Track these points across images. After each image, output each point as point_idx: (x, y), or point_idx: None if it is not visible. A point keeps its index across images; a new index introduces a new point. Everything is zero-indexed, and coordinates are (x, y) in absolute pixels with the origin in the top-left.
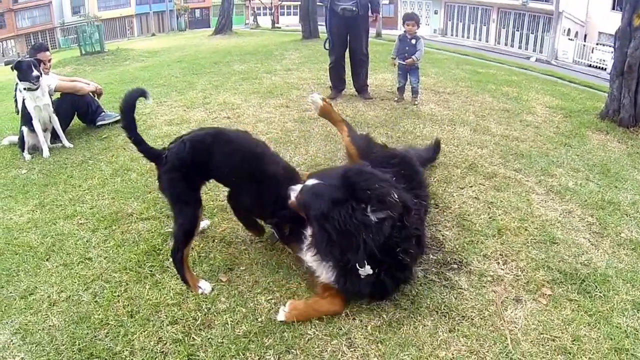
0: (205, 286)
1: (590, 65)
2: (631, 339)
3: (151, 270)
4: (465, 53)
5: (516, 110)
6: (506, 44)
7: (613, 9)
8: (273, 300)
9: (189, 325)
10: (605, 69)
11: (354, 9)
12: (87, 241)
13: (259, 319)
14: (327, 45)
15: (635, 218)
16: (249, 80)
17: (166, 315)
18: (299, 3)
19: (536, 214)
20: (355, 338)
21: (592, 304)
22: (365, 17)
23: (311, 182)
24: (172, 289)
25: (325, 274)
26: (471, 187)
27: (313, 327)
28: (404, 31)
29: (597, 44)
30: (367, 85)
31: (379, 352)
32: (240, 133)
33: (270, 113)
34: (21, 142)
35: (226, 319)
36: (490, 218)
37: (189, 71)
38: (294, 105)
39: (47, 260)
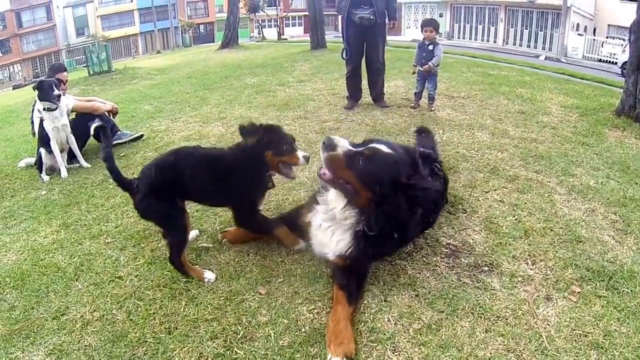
0: (210, 276)
1: (600, 60)
2: None
3: (186, 286)
4: (474, 55)
5: (532, 111)
6: (514, 44)
7: None
8: (315, 310)
9: (230, 339)
10: (617, 63)
11: (371, 17)
12: (115, 260)
13: (302, 330)
14: (344, 55)
15: None
16: (262, 93)
17: (205, 331)
18: (304, 14)
19: (560, 214)
20: (399, 342)
21: (620, 300)
22: (382, 25)
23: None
24: (210, 304)
25: (341, 242)
26: (495, 190)
27: (358, 334)
28: (423, 38)
29: (607, 37)
30: (384, 94)
31: (422, 355)
32: (196, 146)
33: (290, 125)
34: (39, 164)
35: (268, 331)
36: (516, 220)
37: (200, 87)
38: (312, 116)
39: (76, 280)
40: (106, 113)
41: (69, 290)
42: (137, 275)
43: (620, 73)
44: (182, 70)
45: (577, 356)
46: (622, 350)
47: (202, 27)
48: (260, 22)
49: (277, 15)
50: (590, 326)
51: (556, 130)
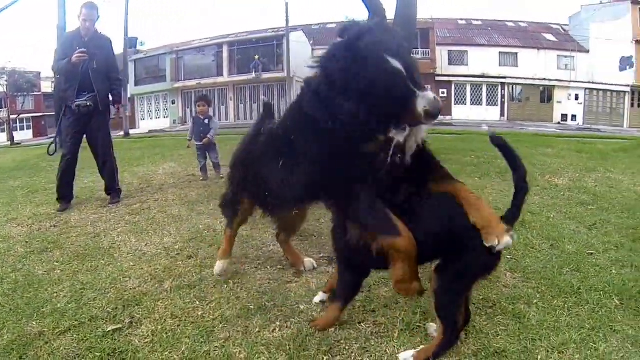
0: None
1: None
2: None
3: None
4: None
5: None
6: (245, 118)
7: None
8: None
9: None
10: None
11: (88, 104)
12: None
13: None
14: (50, 150)
15: None
16: (39, 192)
17: None
18: (33, 115)
19: None
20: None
21: None
22: (105, 112)
23: None
24: None
25: None
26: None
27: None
28: (196, 112)
29: None
30: (120, 188)
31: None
32: None
33: (97, 213)
34: None
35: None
36: None
37: None
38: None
39: None
40: None
41: None
42: None
43: None
44: None
45: None
46: None
47: None
48: None
49: (8, 117)
50: None
51: None
